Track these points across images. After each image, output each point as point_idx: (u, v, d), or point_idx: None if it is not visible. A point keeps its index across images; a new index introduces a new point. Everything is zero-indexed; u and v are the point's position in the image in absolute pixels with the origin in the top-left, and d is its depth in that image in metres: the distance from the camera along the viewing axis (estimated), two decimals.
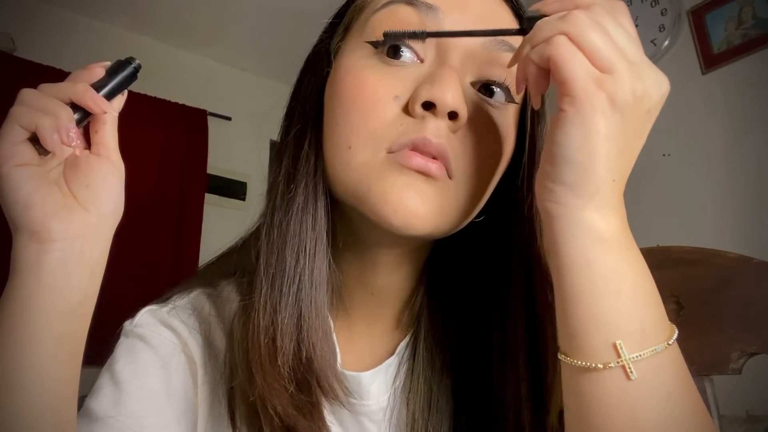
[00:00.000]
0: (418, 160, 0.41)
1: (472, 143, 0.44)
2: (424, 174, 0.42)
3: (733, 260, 0.63)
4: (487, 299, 0.51)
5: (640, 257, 0.36)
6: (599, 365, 0.34)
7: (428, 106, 0.41)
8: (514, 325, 0.49)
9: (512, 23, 0.47)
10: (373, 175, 0.42)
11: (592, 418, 0.34)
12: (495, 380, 0.49)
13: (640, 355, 0.33)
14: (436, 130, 0.42)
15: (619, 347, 0.33)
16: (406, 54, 0.44)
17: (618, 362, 0.33)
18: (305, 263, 0.46)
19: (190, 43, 2.72)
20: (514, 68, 0.40)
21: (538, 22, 0.36)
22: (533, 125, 0.49)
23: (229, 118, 2.82)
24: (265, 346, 0.45)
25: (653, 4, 1.86)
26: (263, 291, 0.46)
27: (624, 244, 0.35)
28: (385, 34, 0.43)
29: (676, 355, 0.35)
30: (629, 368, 0.33)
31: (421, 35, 0.43)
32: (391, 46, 0.44)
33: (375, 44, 0.45)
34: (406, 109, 0.42)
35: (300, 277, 0.46)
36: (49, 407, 0.36)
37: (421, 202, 0.42)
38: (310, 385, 0.46)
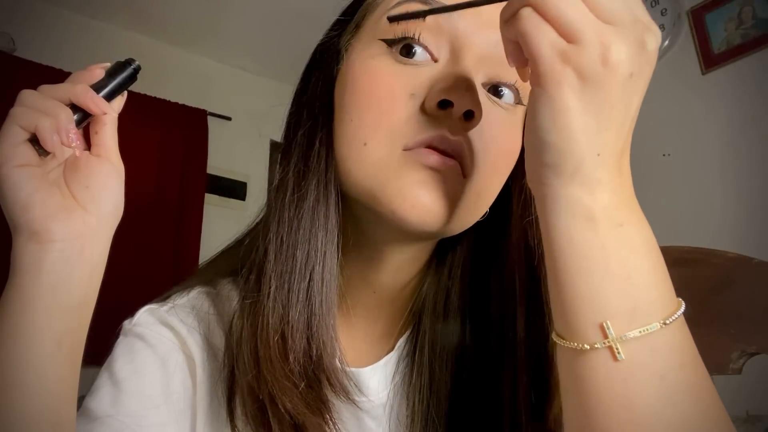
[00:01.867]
0: (435, 158, 0.42)
1: (485, 143, 0.44)
2: (440, 172, 0.42)
3: (732, 260, 0.63)
4: (487, 296, 0.51)
5: (640, 232, 0.33)
6: (586, 346, 0.32)
7: (445, 105, 0.41)
8: (513, 321, 0.49)
9: None
10: (389, 171, 0.42)
11: (584, 400, 0.33)
12: (494, 374, 0.49)
13: (628, 336, 0.31)
14: (452, 129, 0.42)
15: (606, 327, 0.32)
16: (419, 52, 0.44)
17: (605, 343, 0.32)
18: (316, 261, 0.46)
19: (190, 43, 2.73)
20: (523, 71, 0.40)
21: None
22: None
23: (229, 118, 2.82)
24: (275, 343, 0.45)
25: (653, 4, 1.85)
26: (272, 288, 0.46)
27: (615, 220, 0.33)
28: (389, 18, 0.43)
29: (675, 334, 0.32)
30: (616, 349, 0.31)
31: (420, 14, 0.43)
32: (404, 45, 0.44)
33: (390, 42, 0.45)
34: (422, 108, 0.42)
35: (311, 274, 0.46)
36: (48, 407, 0.36)
37: (437, 200, 0.42)
38: (320, 382, 0.46)
